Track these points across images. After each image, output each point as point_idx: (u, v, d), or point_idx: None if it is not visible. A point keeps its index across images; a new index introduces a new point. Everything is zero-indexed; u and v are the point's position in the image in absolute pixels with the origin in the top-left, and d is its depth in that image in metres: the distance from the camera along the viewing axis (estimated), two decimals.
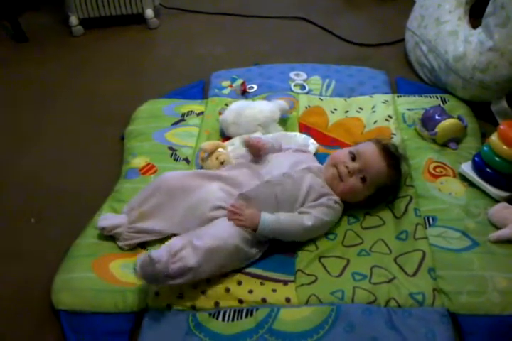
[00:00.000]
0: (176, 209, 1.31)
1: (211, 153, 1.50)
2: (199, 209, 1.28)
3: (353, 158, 1.37)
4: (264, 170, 1.38)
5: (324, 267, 1.26)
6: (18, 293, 1.26)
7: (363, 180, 1.34)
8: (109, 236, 1.32)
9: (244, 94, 1.88)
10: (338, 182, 1.35)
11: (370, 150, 1.38)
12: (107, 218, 1.33)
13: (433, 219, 1.34)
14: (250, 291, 1.20)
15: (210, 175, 1.37)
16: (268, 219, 1.25)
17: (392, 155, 1.39)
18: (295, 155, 1.44)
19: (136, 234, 1.31)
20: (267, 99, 1.78)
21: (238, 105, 1.67)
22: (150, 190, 1.34)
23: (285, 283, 1.22)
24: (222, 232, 1.21)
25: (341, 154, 1.40)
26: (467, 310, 1.15)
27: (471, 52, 1.71)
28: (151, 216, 1.32)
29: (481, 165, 1.43)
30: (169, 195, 1.32)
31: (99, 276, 1.23)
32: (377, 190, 1.37)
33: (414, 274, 1.22)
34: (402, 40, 2.18)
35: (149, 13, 2.43)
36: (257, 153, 1.42)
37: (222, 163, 1.46)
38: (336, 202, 1.34)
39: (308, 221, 1.28)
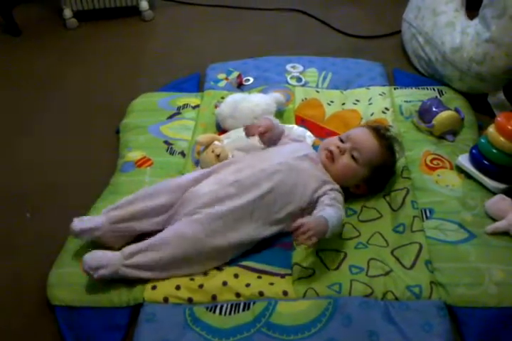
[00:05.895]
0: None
1: (207, 146, 1.49)
2: (185, 209, 1.27)
3: (343, 141, 1.39)
4: (261, 159, 1.36)
5: (321, 260, 1.26)
6: (13, 288, 1.25)
7: (355, 158, 1.35)
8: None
9: (240, 86, 1.87)
10: (331, 163, 1.36)
11: (360, 132, 1.40)
12: (83, 219, 1.27)
13: (430, 212, 1.34)
14: (247, 285, 1.19)
15: (197, 176, 1.34)
16: (331, 218, 1.19)
17: (383, 135, 1.40)
18: (292, 145, 1.44)
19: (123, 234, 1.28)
20: (263, 91, 1.77)
21: (234, 98, 1.66)
22: (137, 196, 1.30)
23: (282, 276, 1.22)
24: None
25: (331, 138, 1.44)
26: (464, 303, 1.15)
27: (467, 44, 1.70)
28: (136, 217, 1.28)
29: (478, 157, 1.42)
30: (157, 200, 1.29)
31: None
32: (373, 171, 1.37)
33: (412, 267, 1.22)
34: (399, 31, 2.17)
35: (144, 5, 2.41)
36: (263, 137, 1.40)
37: (218, 156, 1.45)
38: (339, 192, 1.33)
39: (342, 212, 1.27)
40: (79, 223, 1.25)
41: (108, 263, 1.15)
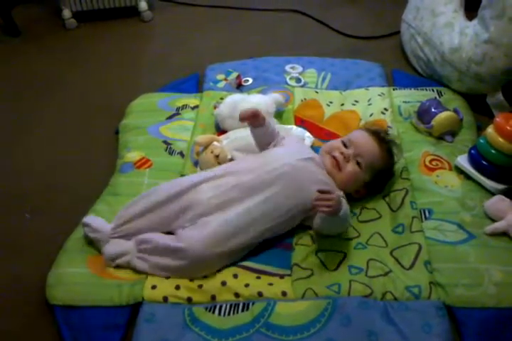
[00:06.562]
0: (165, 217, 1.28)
1: (206, 146, 1.49)
2: (188, 215, 1.26)
3: (346, 146, 1.38)
4: (264, 162, 1.35)
5: (320, 261, 1.26)
6: (13, 288, 1.25)
7: (360, 164, 1.34)
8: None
9: (239, 87, 1.87)
10: (337, 171, 1.35)
11: (361, 136, 1.40)
12: (92, 218, 1.30)
13: (429, 212, 1.34)
14: (246, 285, 1.20)
15: (200, 179, 1.31)
16: (344, 206, 1.22)
17: (383, 139, 1.40)
18: (293, 147, 1.43)
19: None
20: (263, 92, 1.77)
21: (233, 99, 1.66)
22: (140, 209, 1.28)
23: (281, 276, 1.22)
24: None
25: (334, 142, 1.42)
26: (463, 303, 1.16)
27: (466, 45, 1.71)
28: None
29: (477, 158, 1.43)
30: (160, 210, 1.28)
31: (93, 271, 1.23)
32: (374, 175, 1.37)
33: (411, 267, 1.22)
34: (398, 32, 2.17)
35: (143, 5, 2.41)
36: (254, 122, 1.39)
37: (217, 157, 1.45)
38: (343, 198, 1.30)
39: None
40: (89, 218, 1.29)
41: (125, 252, 1.23)
